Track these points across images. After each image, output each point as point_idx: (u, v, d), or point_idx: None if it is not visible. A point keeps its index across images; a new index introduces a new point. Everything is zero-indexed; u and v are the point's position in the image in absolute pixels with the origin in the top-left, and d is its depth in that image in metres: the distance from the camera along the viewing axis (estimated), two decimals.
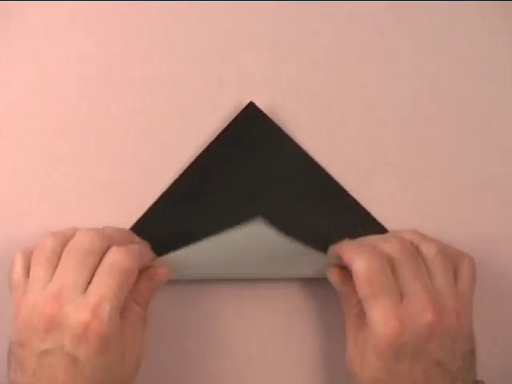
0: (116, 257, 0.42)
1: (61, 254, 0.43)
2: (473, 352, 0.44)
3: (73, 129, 0.47)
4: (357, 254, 0.43)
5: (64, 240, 0.43)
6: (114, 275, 0.42)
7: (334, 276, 0.46)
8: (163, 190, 0.47)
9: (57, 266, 0.43)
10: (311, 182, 0.47)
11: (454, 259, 0.45)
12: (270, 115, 0.47)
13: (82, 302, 0.41)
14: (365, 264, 0.43)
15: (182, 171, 0.47)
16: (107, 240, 0.43)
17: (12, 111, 0.47)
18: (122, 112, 0.47)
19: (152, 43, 0.47)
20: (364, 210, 0.48)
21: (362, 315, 0.43)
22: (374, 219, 0.48)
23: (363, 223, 0.48)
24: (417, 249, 0.44)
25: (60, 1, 0.46)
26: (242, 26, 0.47)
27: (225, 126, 0.47)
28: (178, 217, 0.47)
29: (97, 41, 0.47)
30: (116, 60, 0.47)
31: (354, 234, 0.47)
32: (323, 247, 0.47)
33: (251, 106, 0.47)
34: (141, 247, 0.44)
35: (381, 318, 0.42)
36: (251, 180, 0.47)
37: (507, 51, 0.48)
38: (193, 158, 0.47)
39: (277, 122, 0.47)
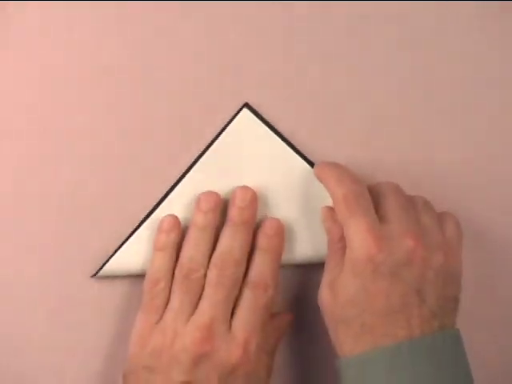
0: (258, 294, 0.44)
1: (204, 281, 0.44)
2: (456, 299, 0.43)
3: (73, 129, 0.47)
4: (336, 178, 0.44)
5: (206, 261, 0.45)
6: (257, 313, 0.44)
7: (322, 214, 0.46)
8: (161, 191, 0.47)
9: (201, 293, 0.44)
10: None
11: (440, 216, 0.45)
12: (265, 116, 0.47)
13: (232, 339, 0.43)
14: (343, 187, 0.43)
15: (180, 172, 0.47)
16: (242, 268, 0.45)
17: (12, 111, 0.47)
18: (120, 113, 0.47)
19: (151, 43, 0.47)
20: None
21: (343, 250, 0.43)
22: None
23: None
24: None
25: (60, 1, 0.46)
26: (241, 26, 0.47)
27: (220, 127, 0.47)
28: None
29: (97, 41, 0.47)
30: (116, 60, 0.47)
31: None
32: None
33: (247, 107, 0.47)
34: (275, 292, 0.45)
35: (358, 235, 0.42)
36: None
37: (507, 51, 0.47)
38: (190, 160, 0.47)
39: (272, 124, 0.47)
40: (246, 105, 0.47)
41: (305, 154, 0.48)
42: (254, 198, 0.46)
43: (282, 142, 0.47)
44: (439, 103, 0.48)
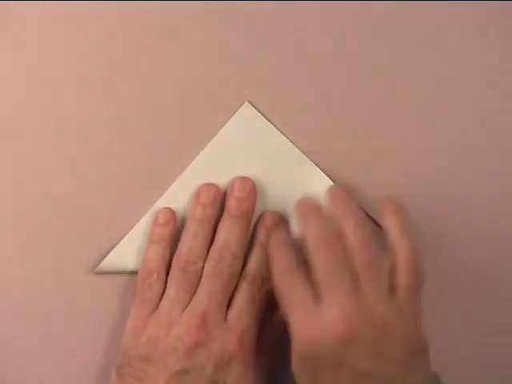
0: (255, 287, 0.44)
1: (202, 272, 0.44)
2: (422, 350, 0.42)
3: (73, 129, 0.47)
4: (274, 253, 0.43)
5: (203, 254, 0.45)
6: (254, 306, 0.44)
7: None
8: (161, 189, 0.47)
9: (197, 285, 0.44)
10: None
11: (395, 262, 0.42)
12: (266, 116, 0.47)
13: (227, 329, 0.43)
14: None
15: (180, 171, 0.47)
16: (240, 261, 0.45)
17: (12, 111, 0.47)
18: (120, 112, 0.47)
19: (151, 43, 0.47)
20: (362, 210, 0.48)
21: None
22: (373, 220, 0.48)
23: None
24: (350, 251, 0.42)
25: (60, 1, 0.46)
26: (241, 26, 0.47)
27: (221, 126, 0.47)
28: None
29: (97, 41, 0.47)
30: (116, 60, 0.47)
31: None
32: None
33: (247, 107, 0.47)
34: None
35: (295, 329, 0.41)
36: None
37: (507, 51, 0.48)
38: (190, 159, 0.47)
39: (273, 123, 0.47)
40: (247, 104, 0.47)
41: (305, 153, 0.48)
42: (252, 189, 0.46)
43: (283, 136, 0.47)
44: (440, 103, 0.48)
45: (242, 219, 0.45)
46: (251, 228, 0.46)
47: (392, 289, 0.42)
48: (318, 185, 0.47)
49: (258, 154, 0.47)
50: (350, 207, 0.43)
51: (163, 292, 0.45)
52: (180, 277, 0.44)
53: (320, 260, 0.41)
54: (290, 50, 0.47)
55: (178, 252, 0.45)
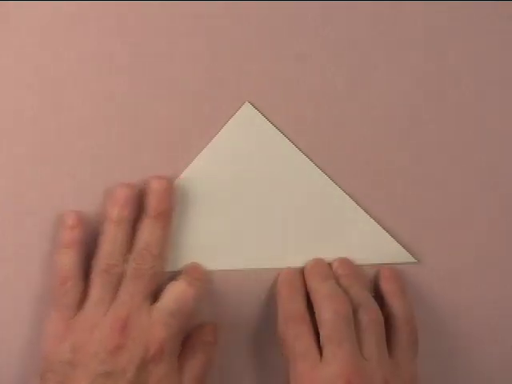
0: (181, 287, 0.44)
1: (122, 273, 0.44)
2: None
3: (73, 129, 0.47)
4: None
5: (124, 256, 0.44)
6: (180, 303, 0.44)
7: None
8: None
9: (118, 286, 0.44)
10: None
11: (393, 323, 0.45)
12: (267, 116, 0.47)
13: (150, 331, 0.42)
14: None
15: (179, 172, 0.47)
16: (161, 260, 0.45)
17: (11, 111, 0.47)
18: (120, 112, 0.47)
19: (151, 43, 0.47)
20: (362, 212, 0.48)
21: None
22: (372, 221, 0.48)
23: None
24: (353, 311, 0.44)
25: (60, 1, 0.46)
26: (241, 26, 0.47)
27: (222, 126, 0.47)
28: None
29: (97, 41, 0.47)
30: (116, 60, 0.47)
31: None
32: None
33: (248, 107, 0.47)
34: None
35: (296, 380, 0.42)
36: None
37: (508, 51, 0.48)
38: (191, 159, 0.47)
39: (274, 124, 0.47)
40: (248, 104, 0.47)
41: (305, 153, 0.48)
42: (168, 189, 0.45)
43: (283, 137, 0.47)
44: (440, 103, 0.48)
45: (161, 219, 0.45)
46: None
47: (390, 351, 0.44)
48: (318, 185, 0.48)
49: (259, 154, 0.47)
50: (355, 271, 0.47)
51: (81, 295, 0.44)
52: (102, 280, 0.44)
53: (328, 312, 0.43)
54: (291, 50, 0.47)
55: (98, 255, 0.44)
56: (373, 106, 0.48)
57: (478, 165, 0.48)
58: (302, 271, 0.47)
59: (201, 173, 0.47)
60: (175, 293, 0.44)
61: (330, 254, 0.48)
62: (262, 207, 0.47)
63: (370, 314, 0.44)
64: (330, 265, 0.47)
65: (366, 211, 0.48)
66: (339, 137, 0.48)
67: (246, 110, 0.47)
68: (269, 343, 0.48)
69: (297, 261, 0.48)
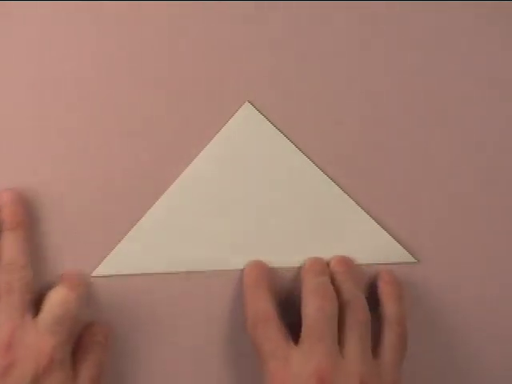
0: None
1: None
2: None
3: (73, 129, 0.47)
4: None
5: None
6: (63, 309, 0.43)
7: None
8: (162, 190, 0.47)
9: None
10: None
11: (384, 324, 0.45)
12: (266, 116, 0.47)
13: (38, 342, 0.41)
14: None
15: (179, 173, 0.47)
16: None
17: (11, 111, 0.47)
18: (120, 112, 0.47)
19: (151, 43, 0.47)
20: (362, 212, 0.48)
21: None
22: (372, 221, 0.48)
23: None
24: (341, 308, 0.44)
25: (60, 1, 0.46)
26: (241, 26, 0.47)
27: (222, 126, 0.47)
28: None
29: (97, 41, 0.47)
30: (116, 60, 0.47)
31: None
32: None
33: (248, 107, 0.47)
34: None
35: (268, 381, 0.42)
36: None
37: (508, 52, 0.48)
38: (191, 159, 0.47)
39: (273, 123, 0.47)
40: (248, 104, 0.47)
41: (305, 153, 0.48)
42: (17, 200, 0.45)
43: (283, 137, 0.47)
44: (441, 103, 0.48)
45: (19, 230, 0.45)
46: None
47: (376, 352, 0.44)
48: (318, 185, 0.48)
49: (258, 154, 0.47)
50: (352, 269, 0.46)
51: None
52: None
53: (311, 308, 0.43)
54: (291, 50, 0.47)
55: None
56: (373, 105, 0.48)
57: (478, 165, 0.48)
58: (265, 266, 0.47)
59: (201, 173, 0.47)
60: (58, 299, 0.43)
61: (329, 253, 0.48)
62: (262, 207, 0.47)
63: (357, 314, 0.44)
64: (328, 262, 0.47)
65: (366, 211, 0.48)
66: (339, 137, 0.48)
67: (246, 109, 0.47)
68: None
69: (297, 261, 0.48)
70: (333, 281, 0.46)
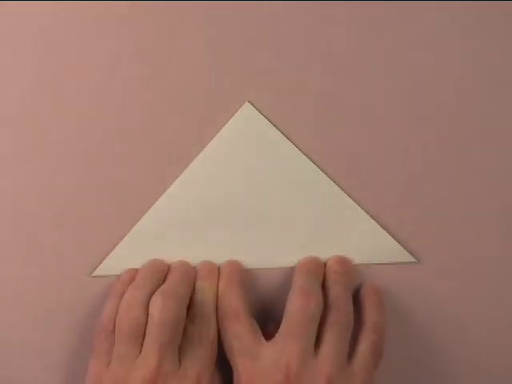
0: (201, 328, 0.44)
1: (146, 323, 0.43)
2: None
3: (73, 128, 0.47)
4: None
5: (146, 307, 0.43)
6: (204, 346, 0.43)
7: None
8: (162, 190, 0.47)
9: (143, 337, 0.43)
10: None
11: (361, 330, 0.45)
12: (266, 116, 0.47)
13: (184, 377, 0.42)
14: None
15: (179, 173, 0.47)
16: (184, 305, 0.44)
17: (11, 111, 0.47)
18: (120, 112, 0.47)
19: (151, 43, 0.47)
20: (362, 212, 0.48)
21: None
22: (372, 221, 0.48)
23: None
24: (326, 307, 0.44)
25: (60, 1, 0.46)
26: (241, 26, 0.47)
27: (222, 126, 0.47)
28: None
29: (97, 41, 0.47)
30: (116, 60, 0.47)
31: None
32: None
33: (248, 107, 0.47)
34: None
35: (236, 373, 0.43)
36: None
37: (508, 51, 0.48)
38: (191, 159, 0.47)
39: (274, 124, 0.47)
40: (248, 104, 0.47)
41: (305, 153, 0.48)
42: None
43: (283, 137, 0.47)
44: (441, 103, 0.48)
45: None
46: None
47: (351, 355, 0.44)
48: (318, 185, 0.48)
49: (259, 154, 0.47)
50: (348, 271, 0.47)
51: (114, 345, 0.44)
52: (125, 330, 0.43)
53: (293, 306, 0.43)
54: (291, 50, 0.47)
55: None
56: (373, 105, 0.48)
57: (478, 164, 0.48)
58: (238, 265, 0.47)
59: (201, 173, 0.47)
60: None
61: (329, 253, 0.48)
62: (262, 207, 0.47)
63: (339, 315, 0.44)
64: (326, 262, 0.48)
65: (366, 211, 0.48)
66: (339, 137, 0.48)
67: (246, 109, 0.47)
68: None
69: (296, 260, 0.48)
70: (326, 280, 0.46)
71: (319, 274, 0.46)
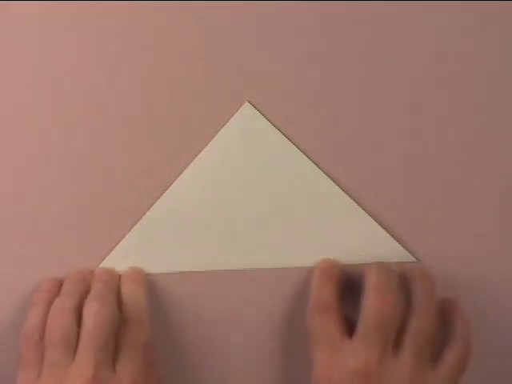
0: (133, 331, 0.44)
1: (78, 331, 0.42)
2: None
3: (73, 128, 0.47)
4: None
5: (76, 314, 0.43)
6: (137, 349, 0.43)
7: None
8: (162, 190, 0.47)
9: (75, 344, 0.42)
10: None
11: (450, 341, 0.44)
12: (266, 116, 0.47)
13: (118, 381, 0.42)
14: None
15: (180, 173, 0.47)
16: (116, 309, 0.44)
17: (12, 111, 0.47)
18: (120, 112, 0.47)
19: (151, 43, 0.47)
20: (362, 212, 0.48)
21: None
22: (372, 221, 0.48)
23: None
24: (408, 309, 0.44)
25: (61, 0, 0.46)
26: (241, 26, 0.47)
27: (222, 126, 0.47)
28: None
29: (97, 41, 0.47)
30: (116, 60, 0.47)
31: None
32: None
33: (248, 107, 0.47)
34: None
35: (316, 367, 0.43)
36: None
37: (508, 51, 0.48)
38: (191, 159, 0.47)
39: (273, 123, 0.47)
40: (248, 104, 0.47)
41: (305, 153, 0.48)
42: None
43: (283, 137, 0.47)
44: (441, 103, 0.48)
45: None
46: None
47: (435, 365, 0.43)
48: (318, 185, 0.48)
49: (258, 154, 0.47)
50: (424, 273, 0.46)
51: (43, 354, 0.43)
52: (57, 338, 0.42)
53: (371, 307, 0.43)
54: (291, 49, 0.47)
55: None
56: (373, 105, 0.48)
57: (478, 164, 0.48)
58: (337, 263, 0.47)
59: (201, 172, 0.47)
60: None
61: (329, 253, 0.48)
62: (262, 207, 0.47)
63: (425, 323, 0.44)
64: None
65: (366, 211, 0.48)
66: (339, 137, 0.48)
67: (246, 109, 0.47)
68: (271, 341, 0.48)
69: (296, 260, 0.48)
70: (402, 276, 0.46)
71: (393, 268, 0.46)
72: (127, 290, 0.45)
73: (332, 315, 0.44)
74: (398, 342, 0.43)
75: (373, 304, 0.43)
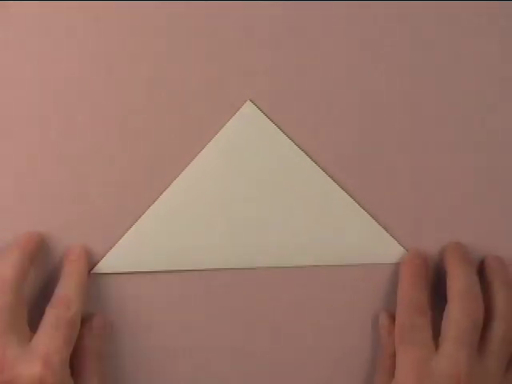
0: (59, 310, 0.43)
1: None
2: None
3: (73, 128, 0.47)
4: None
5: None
6: (59, 327, 0.43)
7: (380, 320, 0.47)
8: (162, 189, 0.47)
9: None
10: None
11: None
12: (268, 115, 0.47)
13: (30, 357, 0.41)
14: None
15: (180, 172, 0.47)
16: (18, 289, 0.43)
17: (12, 111, 0.47)
18: (120, 112, 0.47)
19: (151, 43, 0.47)
20: (362, 212, 0.48)
21: (393, 370, 0.44)
22: (372, 221, 0.48)
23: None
24: (489, 314, 0.44)
25: (60, 1, 0.46)
26: (241, 26, 0.47)
27: (223, 125, 0.47)
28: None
29: (97, 41, 0.47)
30: (116, 60, 0.47)
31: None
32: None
33: (249, 106, 0.47)
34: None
35: (402, 368, 0.43)
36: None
37: (507, 51, 0.48)
38: (191, 159, 0.47)
39: (275, 122, 0.47)
40: (249, 103, 0.47)
41: (306, 152, 0.48)
42: None
43: (285, 136, 0.47)
44: (441, 103, 0.48)
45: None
46: None
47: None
48: (319, 184, 0.48)
49: (260, 153, 0.47)
50: (506, 278, 0.46)
51: None
52: None
53: (458, 312, 0.43)
54: (292, 49, 0.47)
55: None
56: (373, 105, 0.48)
57: (479, 164, 0.48)
58: (425, 256, 0.47)
59: (201, 171, 0.47)
60: None
61: (329, 253, 0.48)
62: (263, 206, 0.47)
63: (506, 331, 0.44)
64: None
65: (366, 211, 0.48)
66: (339, 136, 0.48)
67: (248, 108, 0.47)
68: (269, 343, 0.48)
69: (296, 260, 0.47)
70: (487, 279, 0.46)
71: (472, 263, 0.46)
72: (65, 268, 0.46)
73: (426, 317, 0.44)
74: (479, 346, 0.44)
75: (463, 306, 0.43)
